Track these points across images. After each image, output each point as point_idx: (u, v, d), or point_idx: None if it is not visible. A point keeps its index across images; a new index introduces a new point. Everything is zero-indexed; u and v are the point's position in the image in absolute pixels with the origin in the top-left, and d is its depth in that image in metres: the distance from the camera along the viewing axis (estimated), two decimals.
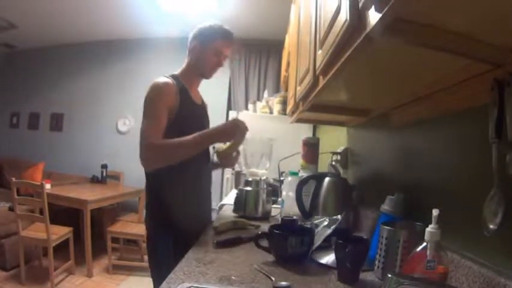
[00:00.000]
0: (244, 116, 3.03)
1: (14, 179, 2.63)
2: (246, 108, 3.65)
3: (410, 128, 1.01)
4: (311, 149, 1.71)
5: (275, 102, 3.14)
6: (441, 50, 0.54)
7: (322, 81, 0.86)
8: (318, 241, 0.96)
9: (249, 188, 1.54)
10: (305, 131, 2.75)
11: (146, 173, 1.25)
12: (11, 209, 3.00)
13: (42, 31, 3.96)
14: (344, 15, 0.59)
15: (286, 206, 1.46)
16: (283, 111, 2.95)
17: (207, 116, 1.46)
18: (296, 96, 1.39)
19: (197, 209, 1.34)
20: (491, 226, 0.54)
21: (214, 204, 1.69)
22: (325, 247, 0.95)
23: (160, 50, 4.08)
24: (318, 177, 1.36)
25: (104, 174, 3.89)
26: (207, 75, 1.36)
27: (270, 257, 0.93)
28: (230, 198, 1.90)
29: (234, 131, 1.19)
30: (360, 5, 0.52)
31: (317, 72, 0.88)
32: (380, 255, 0.78)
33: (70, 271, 2.82)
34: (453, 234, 0.68)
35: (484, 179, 0.59)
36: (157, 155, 1.14)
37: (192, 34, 1.34)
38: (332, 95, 1.06)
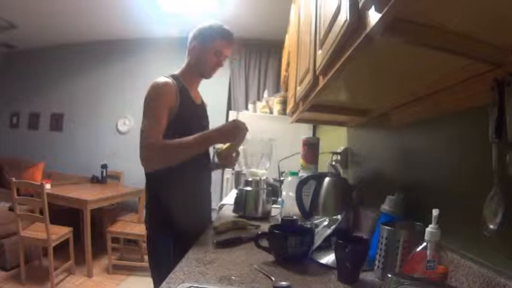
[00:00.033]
0: (244, 116, 3.03)
1: (14, 179, 2.63)
2: (246, 108, 3.65)
3: (410, 128, 1.01)
4: (311, 149, 1.71)
5: (275, 102, 3.14)
6: (441, 50, 0.54)
7: (322, 81, 0.86)
8: (318, 241, 0.96)
9: (249, 188, 1.54)
10: (305, 131, 2.75)
11: (146, 173, 1.24)
12: (11, 209, 3.00)
13: (42, 31, 3.96)
14: (344, 15, 0.59)
15: (286, 206, 1.46)
16: (283, 111, 2.95)
17: (207, 116, 1.46)
18: (296, 96, 1.39)
19: (197, 209, 1.34)
20: (491, 226, 0.54)
21: (214, 204, 1.69)
22: (325, 247, 0.95)
23: (160, 50, 4.08)
24: (318, 177, 1.36)
25: (104, 174, 3.89)
26: (207, 75, 1.36)
27: (270, 257, 0.93)
28: (230, 198, 1.90)
29: (235, 132, 1.19)
30: (360, 5, 0.52)
31: (317, 72, 0.88)
32: (380, 255, 0.78)
33: (70, 271, 2.82)
34: (453, 234, 0.69)
35: (484, 179, 0.59)
36: (157, 156, 1.14)
37: (192, 34, 1.34)
38: (332, 95, 1.06)
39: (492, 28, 0.48)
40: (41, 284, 2.60)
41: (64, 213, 3.05)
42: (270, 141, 1.66)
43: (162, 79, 1.24)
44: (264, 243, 0.96)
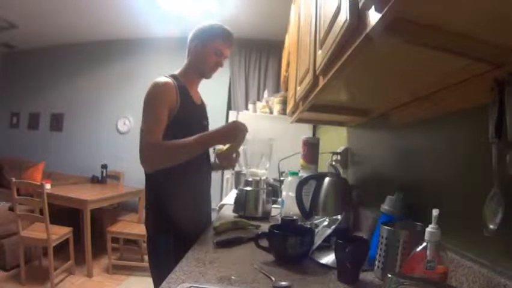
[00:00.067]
0: (244, 116, 3.03)
1: (14, 179, 2.63)
2: (246, 108, 3.65)
3: (410, 128, 1.01)
4: (311, 149, 1.71)
5: (275, 102, 3.13)
6: (441, 50, 0.54)
7: (322, 81, 0.86)
8: (318, 241, 0.96)
9: (249, 188, 1.54)
10: (305, 131, 2.74)
11: (146, 174, 1.24)
12: (11, 209, 3.00)
13: (42, 31, 3.96)
14: (344, 15, 0.59)
15: (286, 206, 1.46)
16: (283, 111, 2.95)
17: (207, 116, 1.46)
18: (296, 96, 1.39)
19: (197, 209, 1.34)
20: (491, 226, 0.54)
21: (214, 204, 1.69)
22: (325, 247, 0.95)
23: (160, 50, 4.08)
24: (318, 177, 1.36)
25: (104, 174, 3.89)
26: (207, 75, 1.36)
27: (270, 257, 0.93)
28: (230, 198, 1.90)
29: (235, 133, 1.19)
30: (360, 5, 0.52)
31: (317, 72, 0.88)
32: (380, 255, 0.78)
33: (70, 271, 2.82)
34: (453, 234, 0.69)
35: (484, 179, 0.59)
36: (157, 156, 1.14)
37: (192, 34, 1.34)
38: (332, 95, 1.06)
39: (492, 28, 0.48)
40: (41, 284, 2.60)
41: (64, 213, 3.05)
42: (270, 141, 1.66)
43: (162, 79, 1.24)
44: (264, 243, 0.96)
